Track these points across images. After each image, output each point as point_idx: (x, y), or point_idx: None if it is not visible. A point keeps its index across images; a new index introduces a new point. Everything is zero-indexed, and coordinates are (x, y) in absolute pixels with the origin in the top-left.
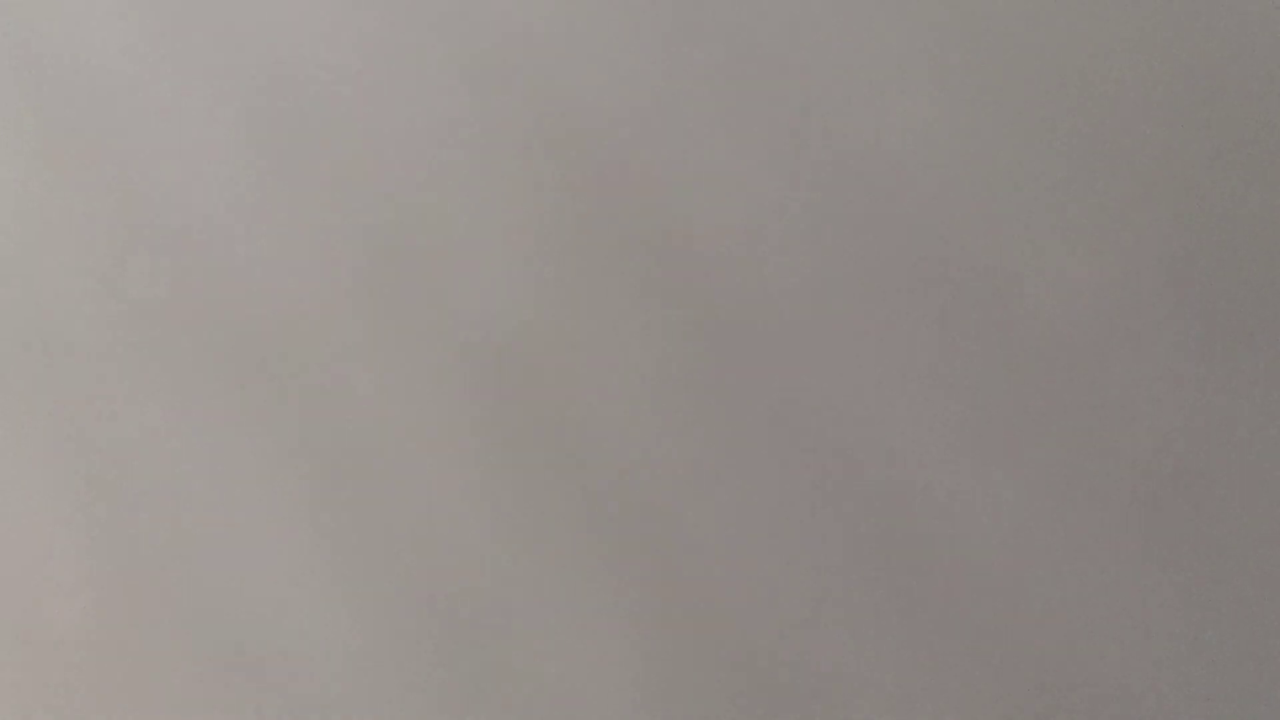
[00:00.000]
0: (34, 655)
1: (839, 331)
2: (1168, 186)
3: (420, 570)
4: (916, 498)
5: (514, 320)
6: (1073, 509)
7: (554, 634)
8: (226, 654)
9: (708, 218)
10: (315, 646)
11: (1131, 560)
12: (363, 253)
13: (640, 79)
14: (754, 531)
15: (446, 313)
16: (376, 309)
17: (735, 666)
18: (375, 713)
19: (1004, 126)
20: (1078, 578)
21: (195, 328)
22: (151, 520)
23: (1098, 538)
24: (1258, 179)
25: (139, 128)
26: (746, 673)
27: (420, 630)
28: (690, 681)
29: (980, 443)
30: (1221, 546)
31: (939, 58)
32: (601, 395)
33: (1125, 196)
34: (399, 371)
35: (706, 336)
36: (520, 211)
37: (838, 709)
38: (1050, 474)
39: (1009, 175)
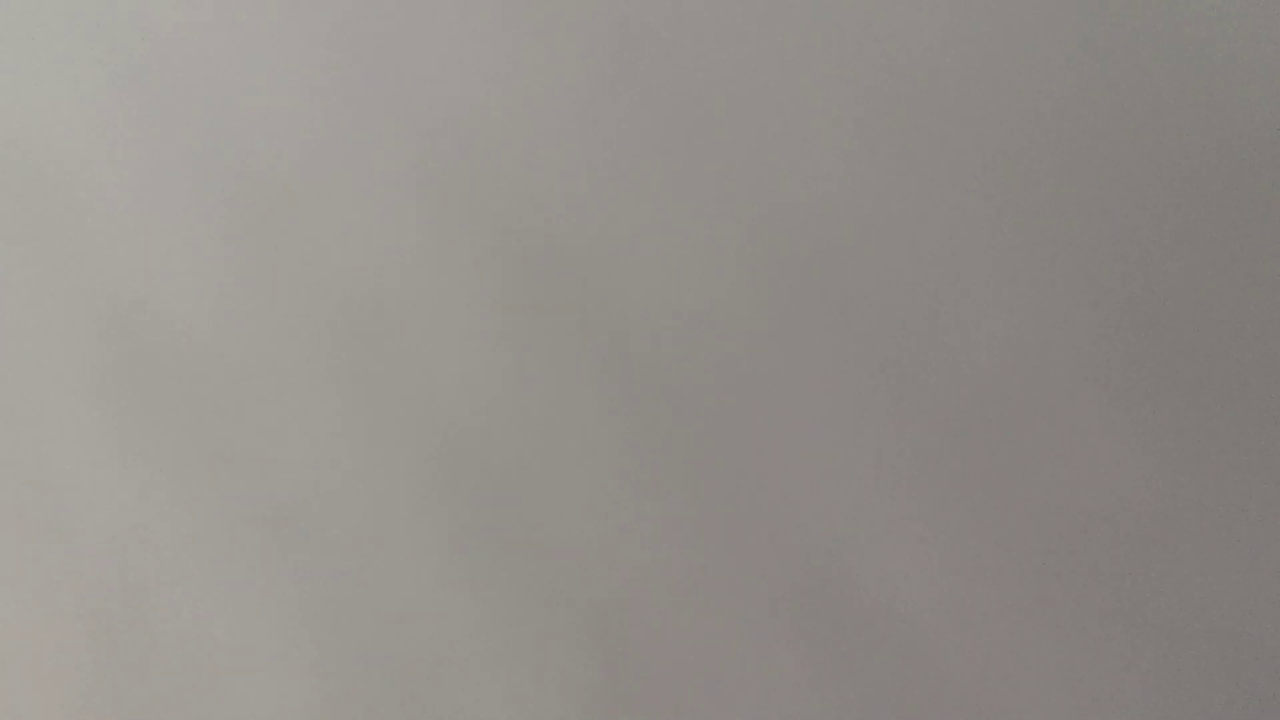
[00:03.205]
0: None
1: (790, 408)
2: (1110, 242)
3: (375, 640)
4: (866, 573)
5: (472, 402)
6: (1021, 569)
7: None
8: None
9: (663, 299)
10: (268, 699)
11: (1085, 625)
12: (327, 334)
13: (594, 165)
14: (715, 612)
15: (409, 394)
16: (342, 388)
17: None
18: None
19: (941, 189)
20: (1026, 643)
21: (163, 403)
22: (107, 575)
23: (1048, 601)
24: (1194, 231)
25: (120, 212)
26: None
27: (373, 685)
28: None
29: (929, 510)
30: (1179, 605)
31: (870, 123)
32: (558, 477)
33: (1066, 255)
34: (360, 448)
35: (662, 416)
36: (478, 295)
37: None
38: (997, 537)
39: (950, 241)
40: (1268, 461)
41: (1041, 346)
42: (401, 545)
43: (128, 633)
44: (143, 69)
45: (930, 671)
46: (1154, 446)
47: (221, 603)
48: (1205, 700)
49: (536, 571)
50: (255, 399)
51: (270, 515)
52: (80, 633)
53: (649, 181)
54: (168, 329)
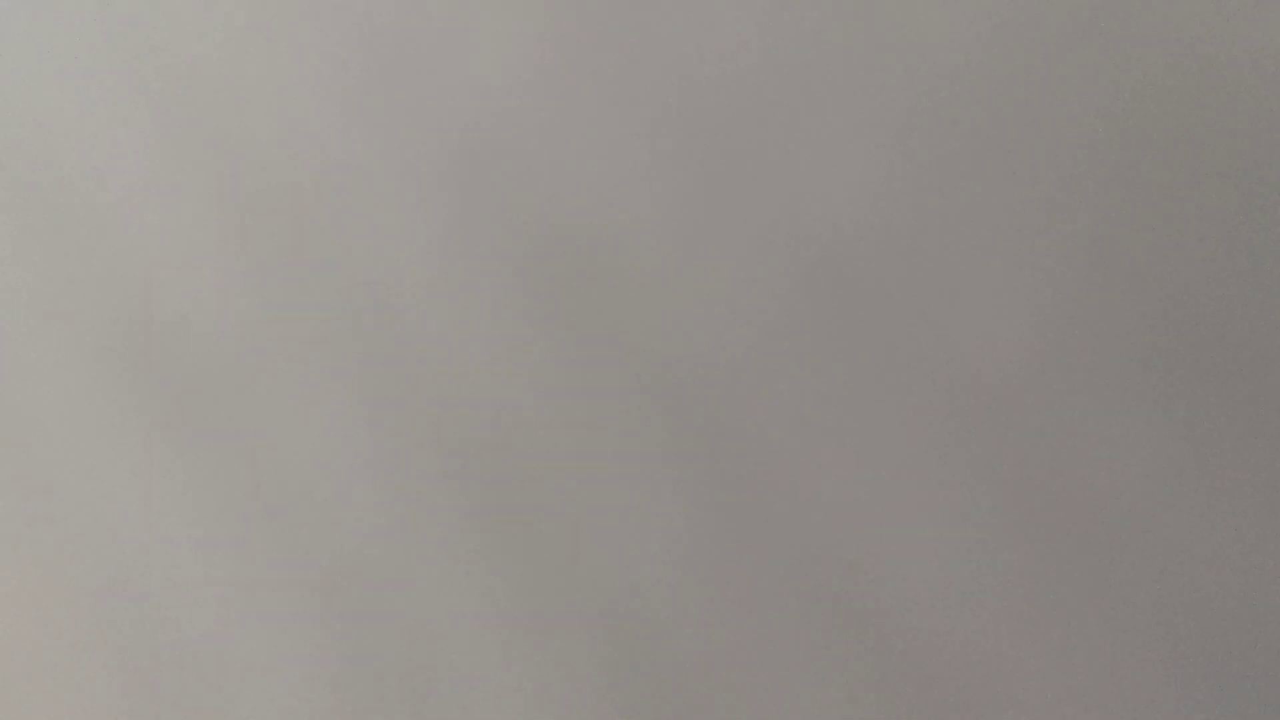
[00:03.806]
0: None
1: (812, 411)
2: (1125, 247)
3: (386, 641)
4: (885, 575)
5: (491, 405)
6: (1023, 560)
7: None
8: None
9: (684, 300)
10: (275, 700)
11: (1090, 612)
12: (343, 336)
13: (617, 167)
14: (732, 618)
15: (427, 396)
16: (359, 391)
17: None
18: None
19: (947, 192)
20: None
21: (176, 405)
22: (97, 568)
23: (1051, 588)
24: (1206, 231)
25: (134, 211)
26: None
27: (383, 687)
28: None
29: (950, 514)
30: (1195, 604)
31: (891, 131)
32: (576, 481)
33: (1087, 261)
34: (377, 451)
35: (682, 417)
36: (497, 298)
37: None
38: (1014, 537)
39: (970, 244)
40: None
41: (1056, 350)
42: (416, 550)
43: (134, 632)
44: (156, 70)
45: (947, 672)
46: (1168, 446)
47: (230, 605)
48: (1218, 698)
49: (552, 574)
50: (270, 400)
51: (284, 517)
52: (86, 633)
53: (673, 184)
54: (182, 332)
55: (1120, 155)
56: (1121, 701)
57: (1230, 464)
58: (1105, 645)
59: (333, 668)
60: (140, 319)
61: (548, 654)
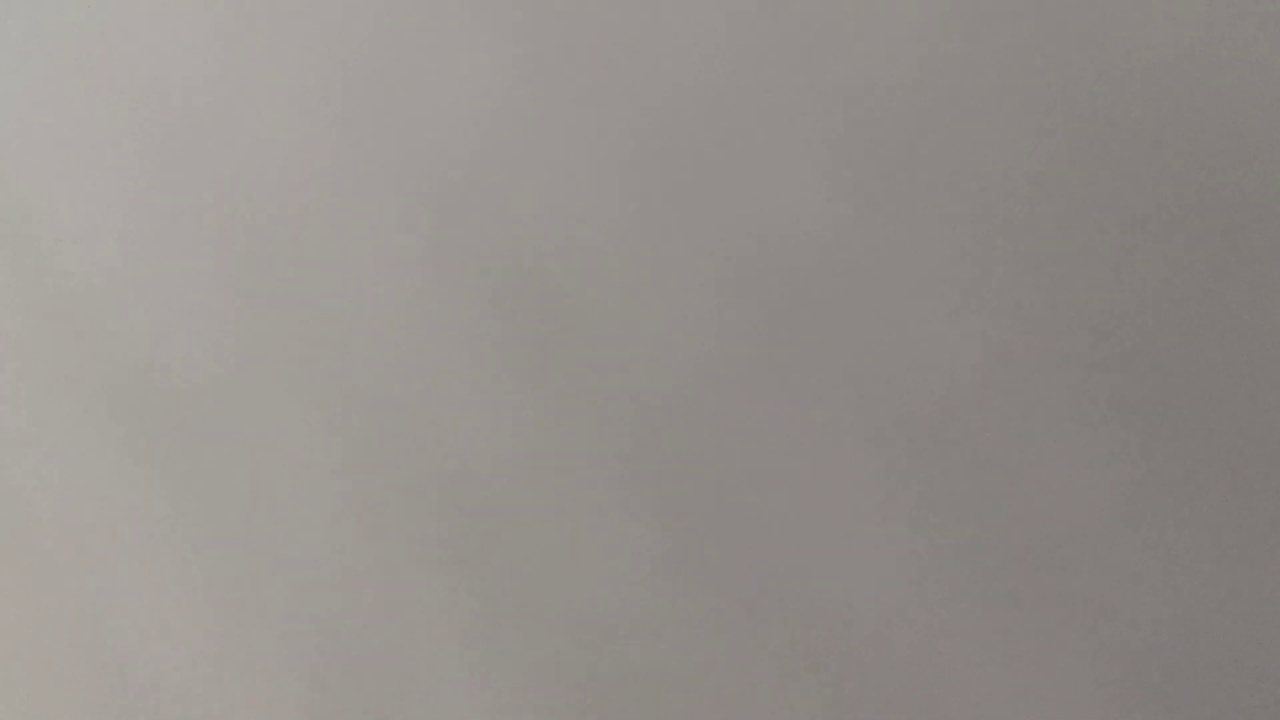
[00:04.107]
0: None
1: (776, 426)
2: (1087, 255)
3: (362, 663)
4: (849, 587)
5: (468, 438)
6: (989, 582)
7: None
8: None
9: (657, 335)
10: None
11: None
12: (324, 368)
13: (586, 190)
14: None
15: (409, 431)
16: (341, 422)
17: None
18: None
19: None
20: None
21: (162, 434)
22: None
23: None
24: (1171, 238)
25: (116, 254)
26: None
27: (359, 703)
28: None
29: (914, 526)
30: (1152, 611)
31: (850, 145)
32: (547, 504)
33: (1046, 270)
34: (358, 481)
35: (648, 438)
36: (477, 333)
37: None
38: (974, 546)
39: (931, 257)
40: (1245, 465)
41: (1018, 359)
42: (392, 575)
43: (111, 659)
44: (133, 97)
45: (908, 686)
46: (1125, 460)
47: (207, 635)
48: (1179, 705)
49: (523, 596)
50: (245, 421)
51: (261, 541)
52: (65, 657)
53: (645, 207)
54: (158, 360)
55: (1077, 168)
56: (1080, 711)
57: (1189, 480)
58: (1063, 660)
59: (309, 695)
60: (116, 348)
61: (518, 676)
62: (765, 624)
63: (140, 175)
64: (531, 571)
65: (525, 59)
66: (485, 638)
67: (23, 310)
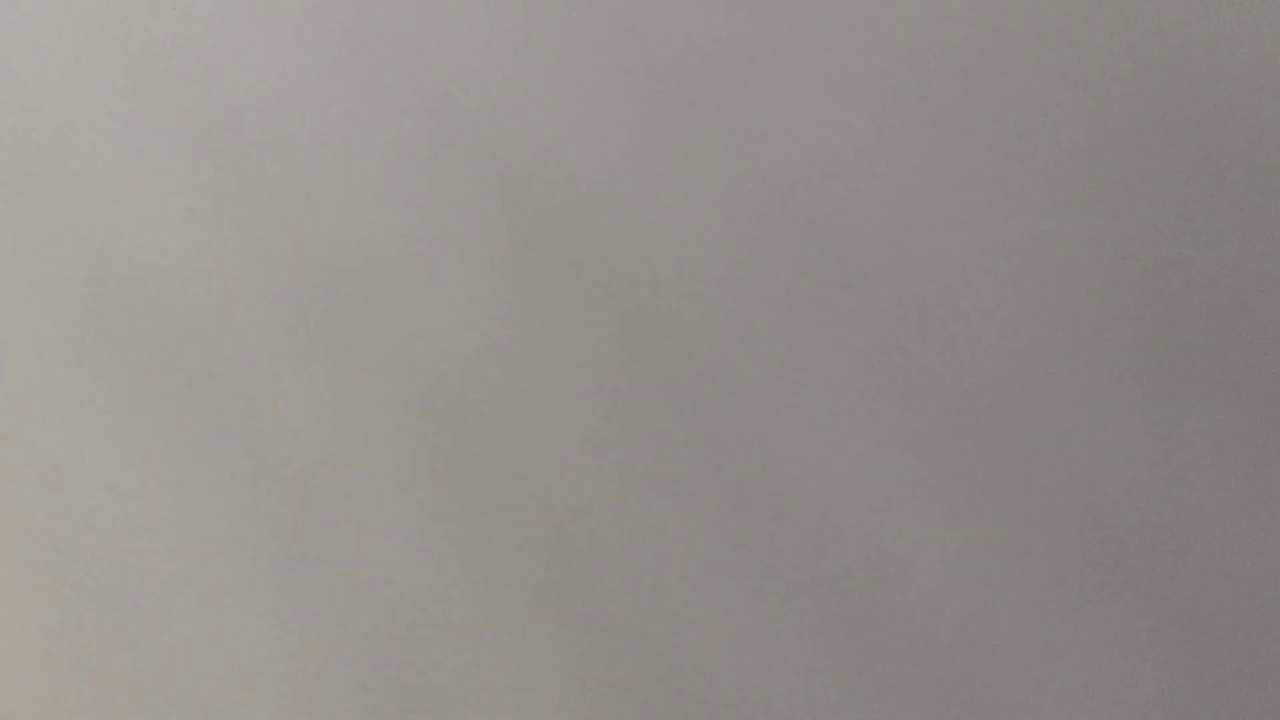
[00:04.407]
0: None
1: (802, 392)
2: (1121, 236)
3: (362, 621)
4: (877, 557)
5: (473, 376)
6: (1033, 558)
7: (502, 696)
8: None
9: (673, 277)
10: (250, 685)
11: (1100, 617)
12: (324, 303)
13: (605, 141)
14: (720, 607)
15: (407, 366)
16: (339, 361)
17: None
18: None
19: (952, 166)
20: (1041, 632)
21: (155, 375)
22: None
23: (1060, 588)
24: (1204, 226)
25: (114, 180)
26: None
27: (360, 671)
28: None
29: (944, 497)
30: (1190, 600)
31: (881, 110)
32: (560, 459)
33: (1082, 247)
34: (354, 421)
35: (671, 397)
36: (480, 267)
37: None
38: (1013, 525)
39: (964, 229)
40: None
41: (1057, 335)
42: (395, 525)
43: (106, 617)
44: (133, 43)
45: (950, 662)
46: (1164, 439)
47: (203, 588)
48: (1215, 695)
49: (535, 556)
50: (246, 372)
51: (259, 493)
52: (61, 618)
53: (657, 157)
54: (160, 297)
55: (1117, 144)
56: (1118, 698)
57: (1224, 460)
58: (1101, 641)
59: (307, 652)
60: (114, 293)
61: (529, 642)
62: (787, 592)
63: (136, 91)
64: (545, 526)
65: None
66: (472, 553)
67: (14, 230)
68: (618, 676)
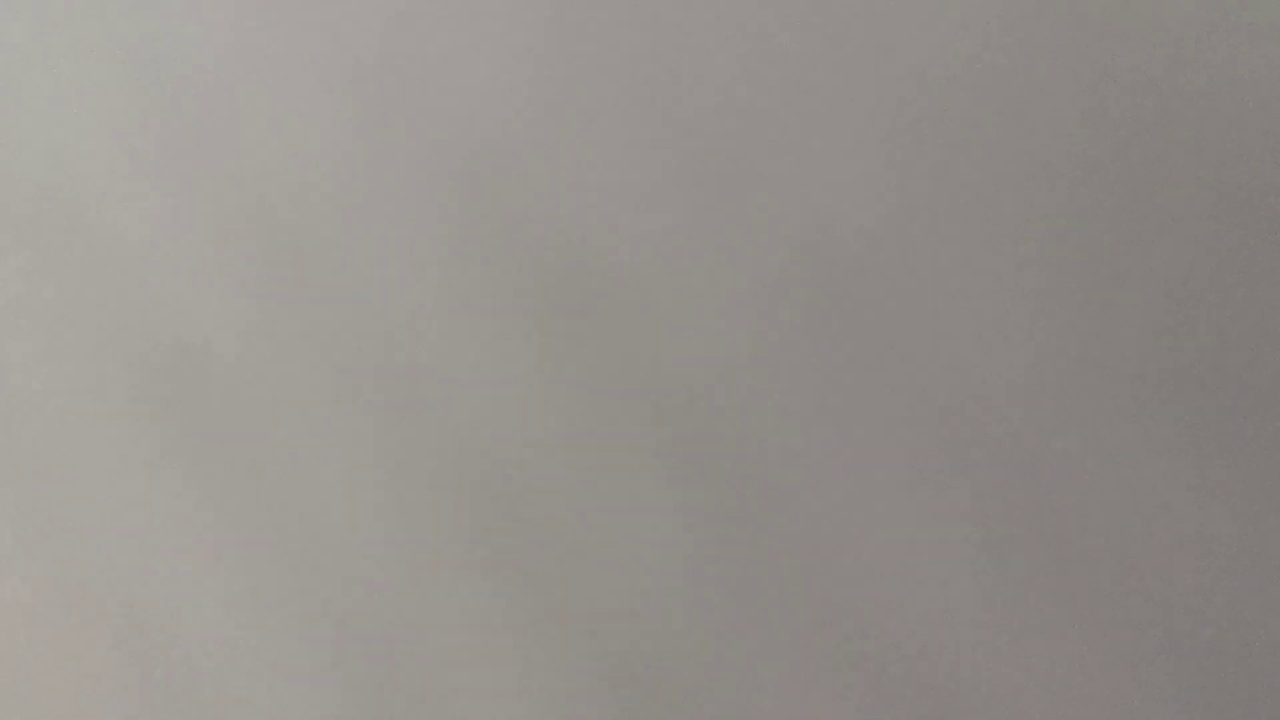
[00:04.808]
0: None
1: (819, 424)
2: (1132, 255)
3: (391, 661)
4: (890, 588)
5: (499, 424)
6: (1042, 601)
7: None
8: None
9: (689, 315)
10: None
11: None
12: (354, 354)
13: (621, 183)
14: (730, 630)
15: (435, 415)
16: (368, 409)
17: None
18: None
19: (949, 212)
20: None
21: (188, 423)
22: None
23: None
24: (1211, 241)
25: (145, 236)
26: None
27: (386, 705)
28: None
29: (961, 528)
30: (1195, 612)
31: (894, 154)
32: (585, 501)
33: (1093, 269)
34: (383, 468)
35: (692, 436)
36: (506, 316)
37: None
38: (1016, 548)
39: (976, 255)
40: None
41: (1054, 360)
42: (419, 563)
43: (142, 645)
44: (167, 96)
45: (941, 682)
46: (1167, 457)
47: (236, 619)
48: (1219, 707)
49: (554, 590)
50: (274, 414)
51: (290, 529)
52: (96, 642)
53: (672, 198)
54: (187, 347)
55: (1118, 163)
56: (1121, 713)
57: (1229, 476)
58: (1102, 657)
59: (337, 682)
60: (146, 337)
61: (548, 667)
62: (799, 622)
63: (169, 157)
64: (561, 563)
65: (561, 44)
66: (513, 630)
67: (52, 288)
68: (629, 702)
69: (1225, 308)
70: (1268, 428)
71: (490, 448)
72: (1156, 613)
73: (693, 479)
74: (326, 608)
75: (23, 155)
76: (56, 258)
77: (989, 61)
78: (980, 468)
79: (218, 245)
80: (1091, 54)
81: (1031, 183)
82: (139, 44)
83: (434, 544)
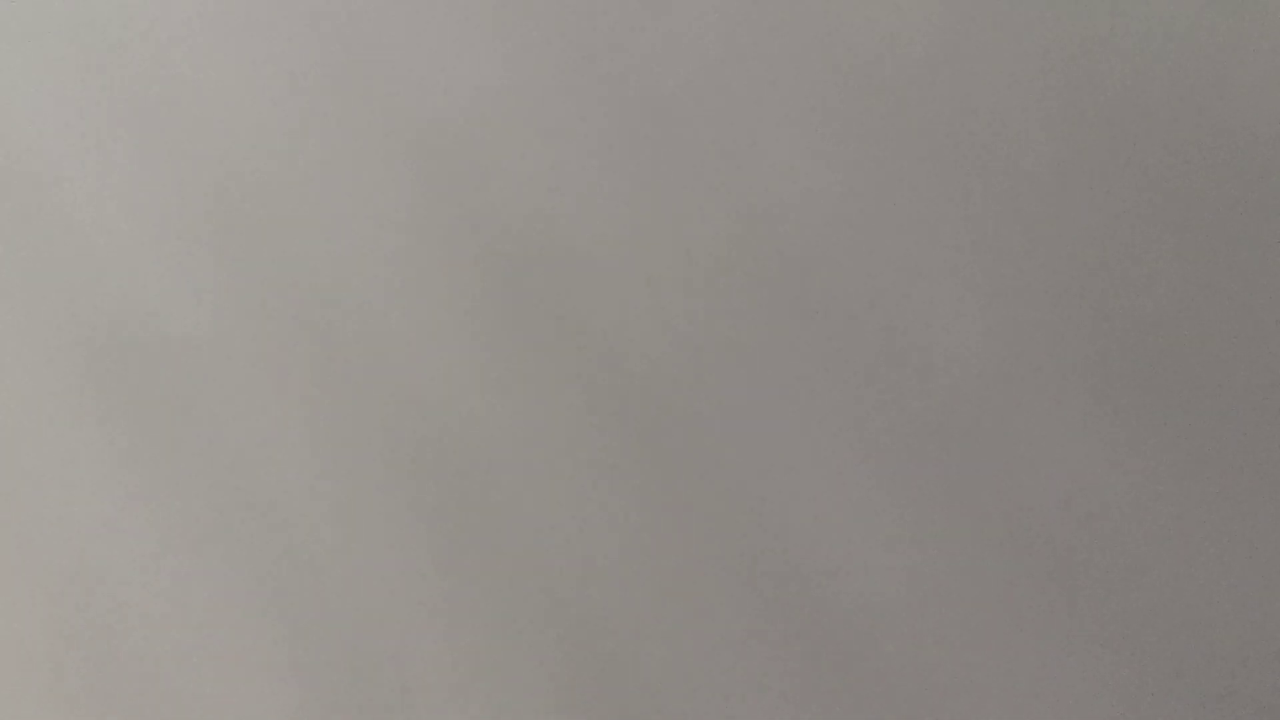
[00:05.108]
0: None
1: (768, 409)
2: (1087, 244)
3: (347, 644)
4: (843, 573)
5: (452, 408)
6: (978, 573)
7: None
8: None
9: (641, 300)
10: (237, 701)
11: (1028, 629)
12: (308, 338)
13: (575, 170)
14: (685, 617)
15: (389, 398)
16: (323, 392)
17: None
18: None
19: (905, 185)
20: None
21: (142, 405)
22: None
23: (1001, 600)
24: (1170, 231)
25: (103, 215)
26: None
27: (343, 690)
28: None
29: (907, 511)
30: (1156, 604)
31: (846, 129)
32: (535, 483)
33: (1045, 257)
34: (338, 452)
35: (640, 419)
36: (460, 300)
37: None
38: (974, 537)
39: (927, 242)
40: (1243, 459)
41: (1019, 346)
42: (378, 550)
43: (91, 633)
44: (128, 75)
45: (909, 673)
46: (1130, 445)
47: (187, 605)
48: (1189, 701)
49: (507, 574)
50: (227, 396)
51: (242, 514)
52: (48, 632)
53: (630, 180)
54: (149, 332)
55: (1082, 150)
56: (1081, 708)
57: (1193, 471)
58: (1065, 649)
59: (288, 667)
60: (98, 318)
61: (502, 654)
62: (756, 598)
63: (125, 131)
64: (518, 543)
65: (518, 22)
66: (470, 612)
67: (1, 265)
68: (583, 691)
69: (1193, 302)
70: (1232, 411)
71: (444, 426)
72: (1114, 597)
73: (649, 459)
74: (280, 590)
75: None
76: (5, 235)
77: (940, 38)
78: (932, 445)
79: (172, 222)
80: (1042, 27)
81: (985, 162)
82: (92, 18)
83: (390, 525)
